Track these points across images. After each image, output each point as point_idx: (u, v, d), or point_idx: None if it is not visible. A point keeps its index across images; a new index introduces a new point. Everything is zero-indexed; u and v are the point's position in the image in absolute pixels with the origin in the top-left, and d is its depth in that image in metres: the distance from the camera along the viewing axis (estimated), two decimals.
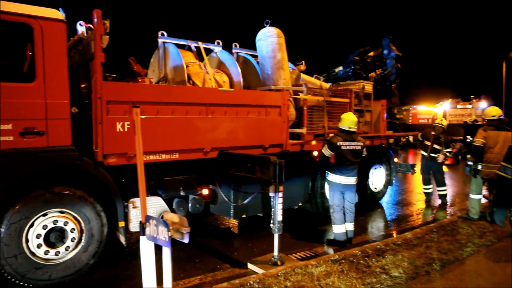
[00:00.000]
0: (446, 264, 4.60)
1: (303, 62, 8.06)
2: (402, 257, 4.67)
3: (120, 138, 4.45)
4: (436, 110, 21.30)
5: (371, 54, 9.05)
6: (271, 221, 4.66)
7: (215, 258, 5.12)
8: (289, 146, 6.15)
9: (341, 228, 5.57)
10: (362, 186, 7.74)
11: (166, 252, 2.84)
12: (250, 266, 4.73)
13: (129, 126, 4.50)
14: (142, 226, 3.01)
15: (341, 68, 9.17)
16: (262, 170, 4.63)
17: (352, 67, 9.00)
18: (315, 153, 6.46)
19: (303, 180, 6.39)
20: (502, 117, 6.46)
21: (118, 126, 4.46)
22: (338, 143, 5.50)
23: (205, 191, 5.59)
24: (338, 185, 5.57)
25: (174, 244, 3.23)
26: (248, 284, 3.98)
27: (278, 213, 4.57)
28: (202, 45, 6.77)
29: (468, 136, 16.21)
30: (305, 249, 5.39)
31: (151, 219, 2.92)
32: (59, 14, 4.21)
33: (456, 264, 4.64)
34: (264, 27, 6.68)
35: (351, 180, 5.58)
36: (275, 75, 6.35)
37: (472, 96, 19.75)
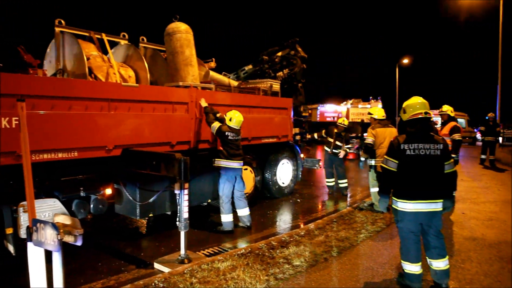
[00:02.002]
0: (343, 250, 4.99)
1: (213, 59, 8.09)
2: (304, 247, 4.96)
3: (6, 135, 4.02)
4: (341, 109, 22.89)
5: (279, 54, 9.42)
6: (177, 219, 4.61)
7: (120, 260, 4.91)
8: (197, 143, 6.13)
9: (229, 217, 6.00)
10: (270, 181, 8.06)
11: (56, 258, 2.63)
12: (157, 265, 4.63)
13: (17, 122, 4.09)
14: (29, 231, 2.75)
15: (250, 66, 9.39)
16: (167, 167, 4.55)
17: (261, 66, 9.28)
18: None
19: (212, 177, 6.42)
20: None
21: (4, 122, 4.03)
22: (226, 133, 5.90)
23: (109, 191, 5.32)
24: (228, 169, 5.95)
25: (74, 249, 3.01)
26: (153, 284, 3.89)
27: (184, 211, 4.53)
28: (106, 36, 6.41)
29: (365, 134, 17.77)
30: (214, 245, 5.43)
31: (39, 222, 2.69)
32: None
33: (351, 249, 5.06)
34: (173, 22, 6.56)
35: (238, 164, 6.03)
36: (183, 71, 6.28)
37: (370, 97, 21.57)
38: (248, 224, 6.19)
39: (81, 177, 4.87)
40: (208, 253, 5.06)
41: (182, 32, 6.41)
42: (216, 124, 5.95)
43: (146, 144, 5.38)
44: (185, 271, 4.17)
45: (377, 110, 7.16)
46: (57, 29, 5.79)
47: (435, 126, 7.73)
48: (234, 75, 9.34)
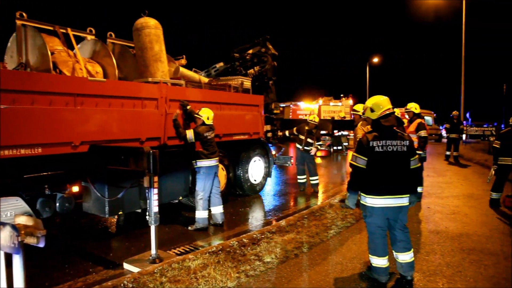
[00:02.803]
0: (313, 246, 5.06)
1: (184, 56, 8.00)
2: (275, 244, 4.98)
3: None
4: (313, 107, 23.15)
5: (250, 51, 9.41)
6: (147, 213, 4.53)
7: (88, 261, 4.77)
8: (168, 139, 6.05)
9: (204, 213, 6.02)
10: (242, 178, 8.06)
11: (17, 261, 2.52)
12: (126, 266, 4.53)
13: None
14: None
15: (222, 64, 9.33)
16: (135, 161, 4.46)
17: (232, 63, 9.24)
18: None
19: (183, 174, 6.36)
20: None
21: None
22: (205, 134, 5.90)
23: (76, 188, 5.14)
24: (209, 168, 5.97)
25: (39, 251, 2.90)
26: (122, 284, 3.80)
27: (153, 204, 4.45)
28: (71, 31, 6.21)
29: (335, 131, 18.12)
30: (185, 243, 5.38)
31: None
32: None
33: (321, 245, 5.14)
34: (142, 17, 6.42)
35: (216, 161, 6.12)
36: (152, 67, 6.17)
37: (341, 95, 21.92)
38: (220, 222, 6.19)
39: (46, 174, 4.70)
40: (179, 252, 5.01)
41: (151, 27, 6.29)
42: (190, 133, 5.87)
43: (114, 140, 5.26)
44: (155, 271, 4.10)
45: (362, 106, 7.28)
46: (19, 22, 5.54)
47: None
48: (205, 72, 9.26)
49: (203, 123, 5.99)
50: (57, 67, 5.57)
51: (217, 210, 6.16)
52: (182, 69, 7.57)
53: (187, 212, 6.96)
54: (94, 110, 5.01)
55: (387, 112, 3.93)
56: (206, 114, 6.02)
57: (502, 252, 4.80)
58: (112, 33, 6.96)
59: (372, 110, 3.99)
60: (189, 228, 6.03)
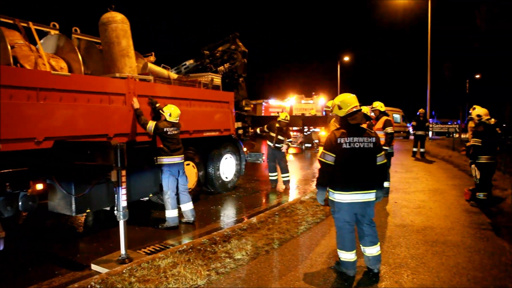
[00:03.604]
0: (284, 242, 5.10)
1: (153, 53, 7.88)
2: (246, 241, 5.00)
3: None
4: (284, 104, 23.33)
5: (220, 48, 9.36)
6: (115, 208, 4.43)
7: (54, 263, 4.63)
8: (137, 135, 5.94)
9: (174, 212, 5.96)
10: (213, 176, 8.03)
11: None
12: (94, 267, 4.42)
13: None
14: None
15: (192, 61, 9.24)
16: (103, 155, 4.34)
17: (203, 60, 9.17)
18: None
19: (153, 171, 6.26)
20: None
21: None
22: (165, 129, 5.86)
23: (40, 186, 4.94)
24: (171, 165, 5.91)
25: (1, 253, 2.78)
26: (89, 286, 3.71)
27: (122, 199, 4.36)
28: (33, 25, 5.97)
29: (305, 128, 18.35)
30: (155, 242, 5.31)
31: None
32: None
33: (292, 241, 5.19)
34: (108, 11, 6.26)
35: (181, 158, 6.03)
36: (119, 62, 6.04)
37: (313, 93, 22.19)
38: (192, 219, 6.15)
39: (7, 171, 4.49)
40: (149, 251, 4.93)
41: (118, 22, 6.14)
42: (151, 124, 5.82)
43: (80, 136, 5.10)
44: (124, 271, 4.02)
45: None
46: None
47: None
48: (175, 70, 9.13)
49: (165, 119, 5.94)
50: (18, 62, 5.33)
51: (187, 207, 6.12)
52: (150, 65, 7.43)
53: (157, 211, 6.87)
54: (58, 105, 4.84)
55: (354, 110, 4.01)
56: (168, 111, 5.95)
57: (462, 243, 5.01)
58: (77, 28, 6.75)
59: (339, 108, 4.06)
60: (160, 226, 5.95)
